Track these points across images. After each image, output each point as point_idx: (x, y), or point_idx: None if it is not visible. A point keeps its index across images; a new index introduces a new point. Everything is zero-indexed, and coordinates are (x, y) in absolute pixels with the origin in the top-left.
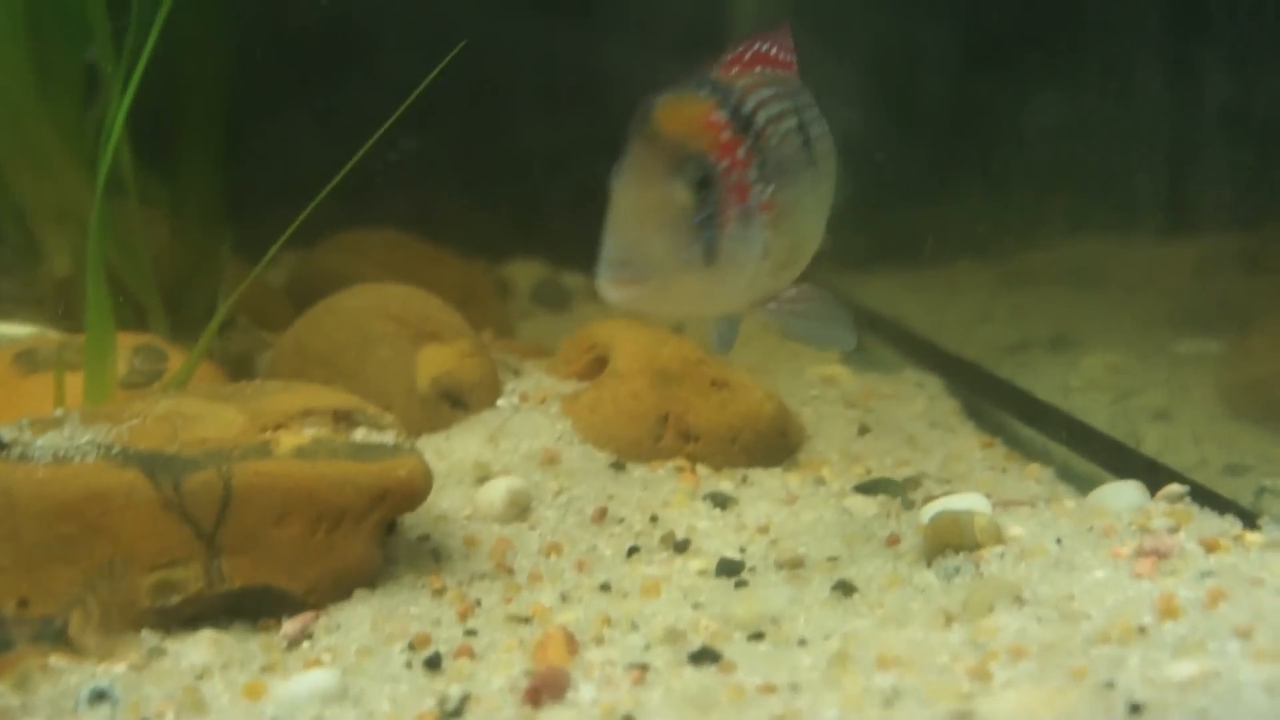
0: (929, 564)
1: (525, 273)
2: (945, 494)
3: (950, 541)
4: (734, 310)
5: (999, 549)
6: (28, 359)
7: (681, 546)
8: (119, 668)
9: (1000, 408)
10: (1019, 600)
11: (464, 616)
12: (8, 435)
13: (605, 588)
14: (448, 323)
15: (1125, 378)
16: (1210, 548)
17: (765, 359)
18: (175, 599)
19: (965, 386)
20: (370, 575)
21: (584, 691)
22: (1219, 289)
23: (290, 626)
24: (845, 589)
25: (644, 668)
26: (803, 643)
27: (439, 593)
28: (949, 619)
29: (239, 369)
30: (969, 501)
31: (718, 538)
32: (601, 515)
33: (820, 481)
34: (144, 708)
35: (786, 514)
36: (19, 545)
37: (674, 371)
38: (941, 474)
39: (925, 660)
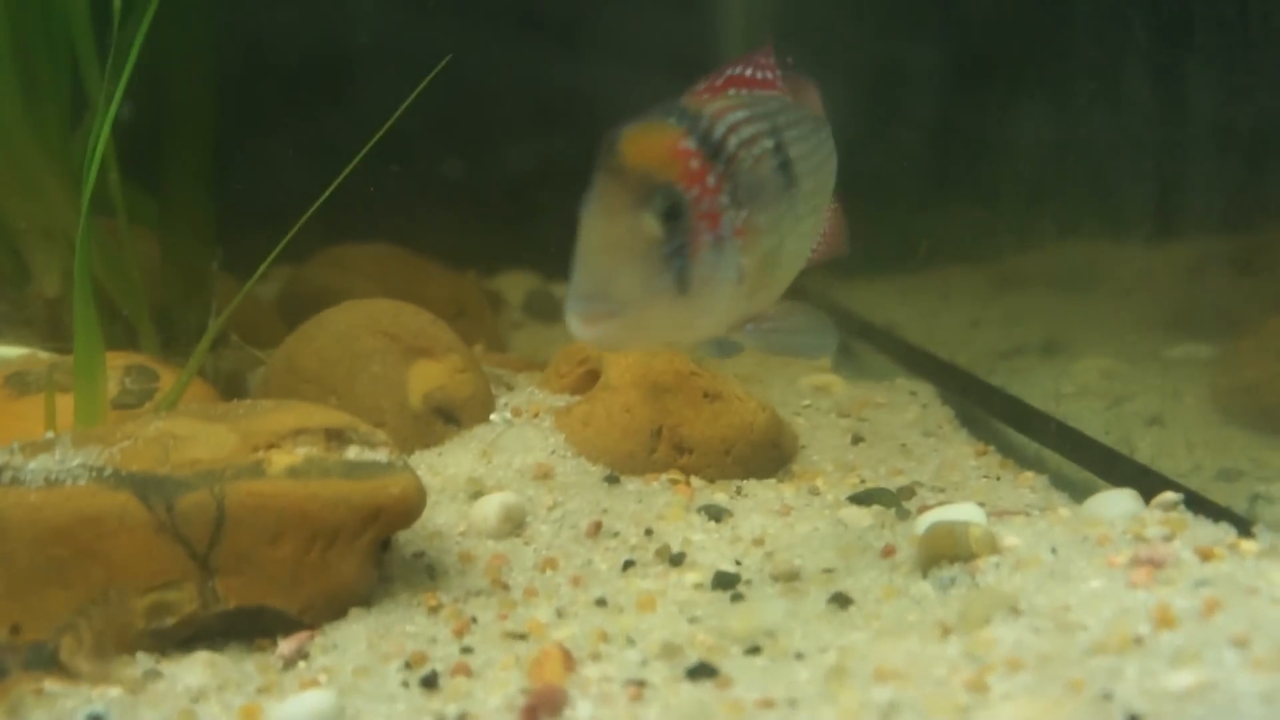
0: (925, 575)
1: (516, 284)
2: (940, 504)
3: (945, 552)
4: (709, 337)
5: (994, 559)
6: (18, 381)
7: (677, 560)
8: (114, 691)
9: (993, 415)
10: (1015, 611)
11: (460, 634)
12: None
13: (601, 603)
14: (439, 337)
15: (1117, 383)
16: (1205, 556)
17: (757, 368)
18: (170, 621)
19: (958, 394)
20: (365, 593)
21: (581, 709)
22: (1210, 293)
23: (286, 646)
24: (841, 601)
25: (641, 684)
26: (800, 656)
27: (434, 610)
28: (946, 631)
29: (230, 386)
30: (964, 512)
31: (713, 550)
32: (596, 529)
33: (814, 492)
34: None
35: (781, 526)
36: (11, 570)
37: (666, 384)
38: (935, 483)
39: (922, 673)
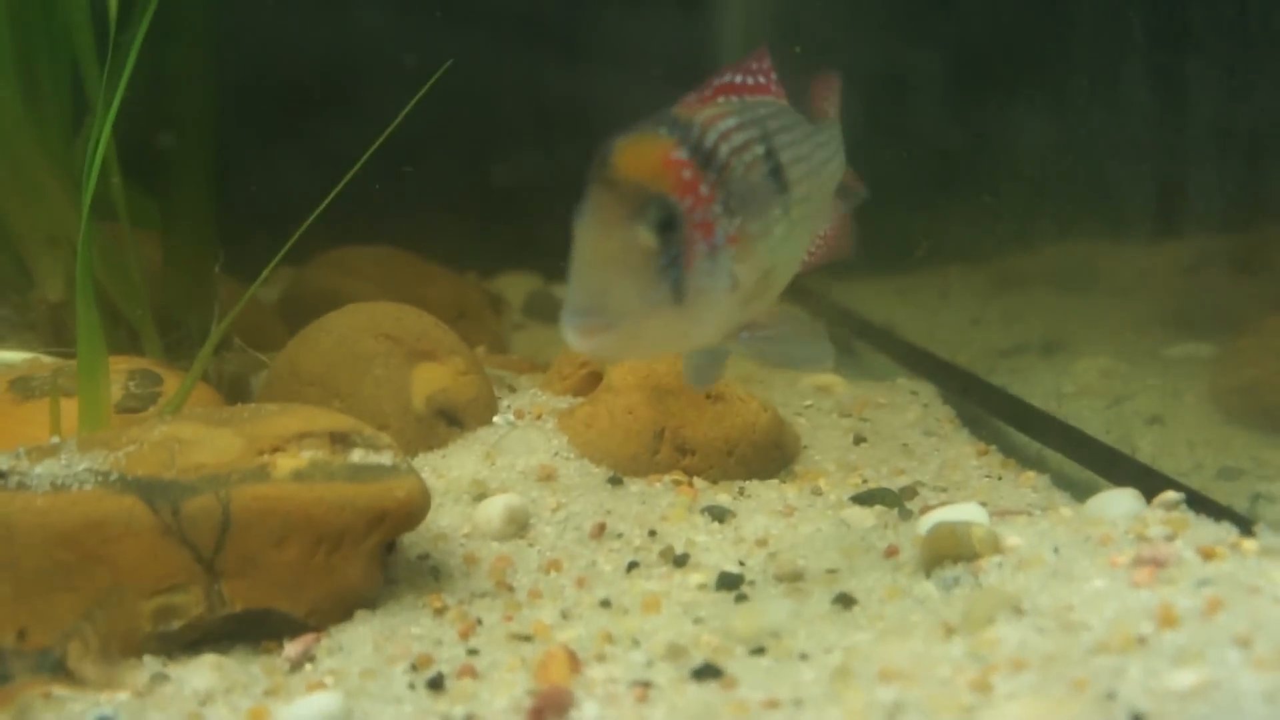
0: (928, 575)
1: (517, 285)
2: (942, 504)
3: (948, 552)
4: (705, 346)
5: (997, 559)
6: (23, 386)
7: (681, 561)
8: (122, 695)
9: (994, 415)
10: (1019, 611)
11: (465, 636)
12: (5, 464)
13: (605, 604)
14: (441, 340)
15: (1118, 382)
16: (1207, 555)
17: (759, 369)
18: (177, 624)
19: (959, 393)
20: (371, 596)
21: (587, 710)
22: (1210, 292)
23: (292, 649)
24: (845, 601)
25: (647, 685)
26: (804, 657)
27: (440, 612)
28: (949, 631)
29: (234, 390)
30: (966, 512)
31: (717, 551)
32: (600, 531)
33: (817, 492)
34: None
35: (785, 526)
36: (18, 574)
37: (669, 385)
38: (937, 482)
39: (927, 673)
